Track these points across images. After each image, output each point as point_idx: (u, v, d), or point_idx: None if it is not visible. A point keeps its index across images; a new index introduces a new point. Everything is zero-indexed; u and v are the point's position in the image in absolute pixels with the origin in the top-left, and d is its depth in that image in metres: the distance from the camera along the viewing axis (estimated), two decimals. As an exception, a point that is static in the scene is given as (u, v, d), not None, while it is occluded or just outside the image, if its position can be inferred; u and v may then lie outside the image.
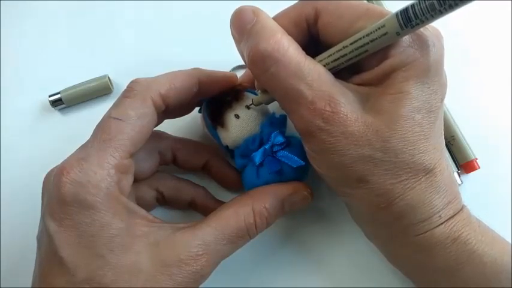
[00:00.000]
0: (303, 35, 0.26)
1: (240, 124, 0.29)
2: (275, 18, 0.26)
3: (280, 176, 0.27)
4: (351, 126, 0.23)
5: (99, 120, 0.25)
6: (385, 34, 0.22)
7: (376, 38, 0.22)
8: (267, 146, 0.27)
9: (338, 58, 0.24)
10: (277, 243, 0.33)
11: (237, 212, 0.26)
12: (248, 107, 0.29)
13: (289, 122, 0.29)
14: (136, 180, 0.28)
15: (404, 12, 0.21)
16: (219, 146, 0.30)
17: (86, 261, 0.22)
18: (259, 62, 0.23)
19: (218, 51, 0.36)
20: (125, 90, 0.26)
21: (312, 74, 0.23)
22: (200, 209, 0.32)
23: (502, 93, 0.36)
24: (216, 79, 0.29)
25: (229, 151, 0.30)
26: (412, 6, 0.21)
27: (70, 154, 0.25)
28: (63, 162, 0.24)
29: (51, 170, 0.26)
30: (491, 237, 0.25)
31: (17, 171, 0.35)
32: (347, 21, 0.24)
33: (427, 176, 0.24)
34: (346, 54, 0.24)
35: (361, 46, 0.23)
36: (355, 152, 0.23)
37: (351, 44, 0.23)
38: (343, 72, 0.25)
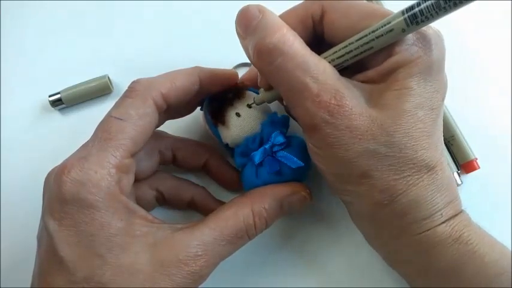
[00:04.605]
0: (308, 33, 0.26)
1: (241, 123, 0.29)
2: (281, 16, 0.26)
3: (279, 176, 0.27)
4: (356, 120, 0.23)
5: (101, 120, 0.26)
6: (391, 31, 0.22)
7: (382, 35, 0.23)
8: (267, 146, 0.27)
9: (343, 54, 0.24)
10: (276, 244, 0.33)
11: (236, 213, 0.26)
12: (250, 106, 0.29)
13: (290, 122, 0.30)
14: (137, 180, 0.28)
15: (410, 9, 0.22)
16: (219, 145, 0.30)
17: (85, 261, 0.22)
18: (265, 54, 0.24)
19: (219, 50, 0.36)
20: (127, 90, 0.26)
21: (318, 67, 0.23)
22: (200, 209, 0.32)
23: (502, 93, 0.36)
24: (217, 77, 0.29)
25: (229, 149, 0.30)
26: (418, 3, 0.21)
27: (70, 154, 0.25)
28: (64, 161, 0.24)
29: (52, 170, 0.26)
30: (491, 240, 0.25)
31: (17, 171, 0.35)
32: (353, 19, 0.24)
33: (429, 173, 0.24)
34: (351, 51, 0.24)
35: (367, 42, 0.23)
36: (360, 146, 0.23)
37: (356, 40, 0.24)
38: (347, 71, 0.25)
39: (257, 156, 0.27)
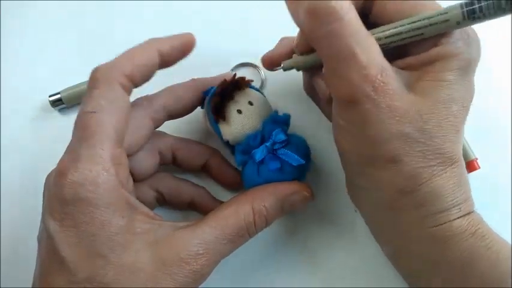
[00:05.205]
0: (358, 9, 0.25)
1: (242, 120, 0.29)
2: None
3: (281, 174, 0.27)
4: (397, 101, 0.23)
5: (75, 119, 0.25)
6: (445, 21, 0.23)
7: (436, 23, 0.23)
8: (268, 144, 0.27)
9: (392, 35, 0.24)
10: (276, 242, 0.33)
11: (237, 211, 0.25)
12: (251, 103, 0.29)
13: (291, 121, 0.30)
14: (137, 180, 0.28)
15: (470, 4, 0.22)
16: (220, 143, 0.30)
17: (87, 261, 0.22)
18: (321, 15, 0.23)
19: (219, 50, 0.36)
20: (89, 81, 0.26)
21: (367, 41, 0.23)
22: (200, 209, 0.32)
23: (502, 93, 0.36)
24: (176, 46, 0.28)
25: (230, 147, 0.30)
26: (479, 0, 0.22)
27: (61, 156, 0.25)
28: (57, 165, 0.24)
29: (50, 172, 0.25)
30: (501, 238, 0.25)
31: (17, 171, 0.35)
32: (405, 5, 0.25)
33: (452, 166, 0.24)
34: (401, 33, 0.24)
35: (419, 28, 0.24)
36: (396, 127, 0.23)
37: (408, 23, 0.24)
38: (387, 55, 0.25)
39: (258, 153, 0.27)
